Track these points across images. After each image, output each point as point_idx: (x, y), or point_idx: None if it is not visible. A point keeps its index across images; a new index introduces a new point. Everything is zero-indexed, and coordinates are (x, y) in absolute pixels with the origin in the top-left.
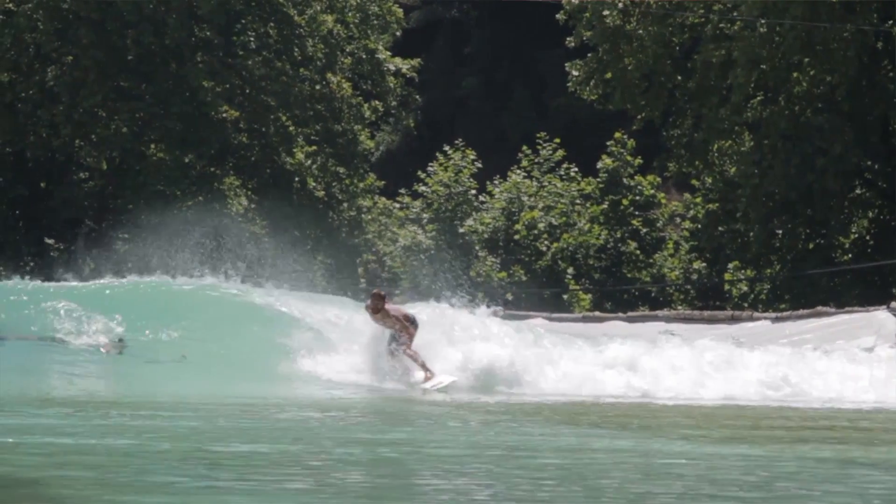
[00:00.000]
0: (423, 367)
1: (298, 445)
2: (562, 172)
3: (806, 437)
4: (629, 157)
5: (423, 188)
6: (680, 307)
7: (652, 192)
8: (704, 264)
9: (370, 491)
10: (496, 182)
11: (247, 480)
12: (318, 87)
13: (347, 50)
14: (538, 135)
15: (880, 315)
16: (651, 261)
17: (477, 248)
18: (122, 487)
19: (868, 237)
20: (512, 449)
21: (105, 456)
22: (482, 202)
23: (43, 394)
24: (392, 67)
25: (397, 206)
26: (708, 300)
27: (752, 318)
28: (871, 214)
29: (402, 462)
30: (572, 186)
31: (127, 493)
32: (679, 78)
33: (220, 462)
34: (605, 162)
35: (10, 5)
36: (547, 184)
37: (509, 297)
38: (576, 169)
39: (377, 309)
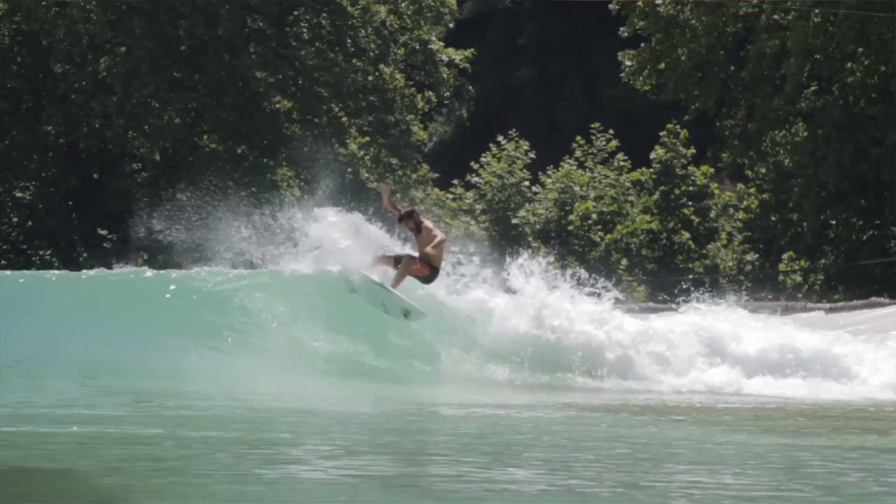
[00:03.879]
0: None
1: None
2: (614, 164)
3: None
4: (682, 148)
5: (477, 179)
6: (733, 298)
7: (705, 182)
8: (757, 255)
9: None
10: (549, 172)
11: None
12: (370, 78)
13: (400, 41)
14: (592, 125)
15: None
16: (704, 251)
17: (529, 238)
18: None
19: None
20: None
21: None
22: (535, 193)
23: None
24: (445, 58)
25: (450, 196)
26: (761, 291)
27: (805, 309)
28: None
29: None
30: (624, 176)
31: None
32: (732, 68)
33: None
34: (659, 153)
35: None
36: (598, 174)
37: None
38: (625, 158)
39: (410, 227)
